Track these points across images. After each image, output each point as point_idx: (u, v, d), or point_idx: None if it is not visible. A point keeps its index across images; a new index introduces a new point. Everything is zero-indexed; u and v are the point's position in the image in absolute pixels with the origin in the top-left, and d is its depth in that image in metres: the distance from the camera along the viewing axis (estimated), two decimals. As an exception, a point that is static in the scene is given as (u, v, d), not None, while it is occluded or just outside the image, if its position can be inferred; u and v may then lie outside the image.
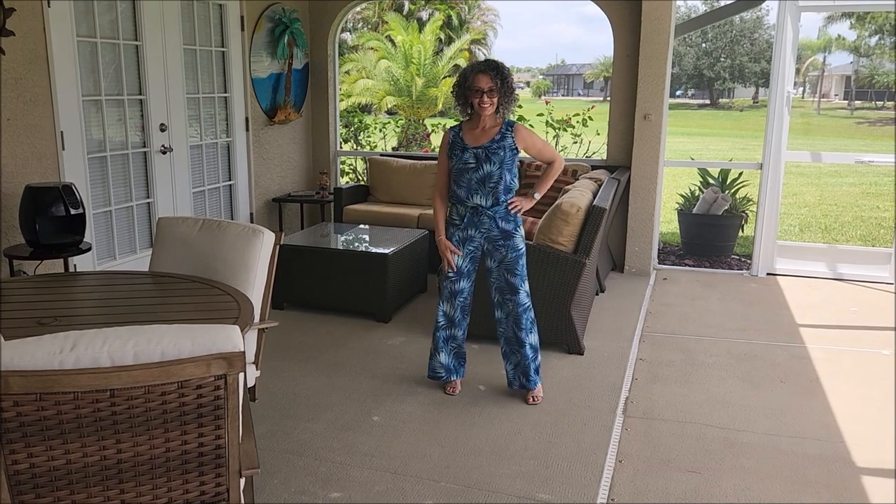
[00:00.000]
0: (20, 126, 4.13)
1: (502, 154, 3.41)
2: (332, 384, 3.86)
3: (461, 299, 3.65)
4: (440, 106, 17.05)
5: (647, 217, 6.06)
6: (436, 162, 6.60)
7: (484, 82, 3.34)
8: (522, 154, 3.54)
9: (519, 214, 3.52)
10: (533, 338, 3.65)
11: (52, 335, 1.65)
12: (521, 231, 3.55)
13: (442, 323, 3.69)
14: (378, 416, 3.49)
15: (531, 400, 3.64)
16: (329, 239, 5.53)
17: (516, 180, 3.53)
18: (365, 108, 16.85)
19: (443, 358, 3.72)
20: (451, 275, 3.59)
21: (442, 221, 3.58)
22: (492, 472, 3.00)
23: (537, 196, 3.58)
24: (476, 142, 3.45)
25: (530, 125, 7.88)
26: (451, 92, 3.52)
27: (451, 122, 9.21)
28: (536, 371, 3.67)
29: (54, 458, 1.69)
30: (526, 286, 3.59)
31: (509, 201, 3.48)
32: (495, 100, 3.37)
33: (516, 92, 3.47)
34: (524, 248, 3.56)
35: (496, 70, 3.36)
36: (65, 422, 1.66)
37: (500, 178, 3.42)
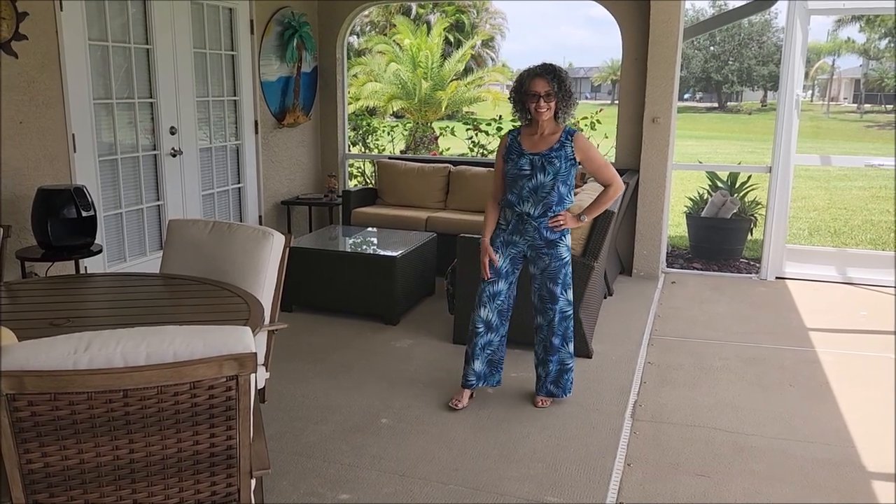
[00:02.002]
0: (33, 128, 4.17)
1: (558, 164, 3.31)
2: (340, 386, 3.87)
3: (499, 301, 3.53)
4: (443, 109, 17.07)
5: (655, 220, 6.05)
6: (443, 165, 6.64)
7: (541, 86, 3.25)
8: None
9: (557, 230, 3.41)
10: (570, 347, 3.58)
11: (65, 336, 1.67)
12: (567, 240, 3.47)
13: (479, 329, 3.55)
14: (386, 419, 3.50)
15: (540, 403, 3.62)
16: (337, 241, 5.54)
17: (572, 195, 3.44)
18: (371, 112, 16.88)
19: (477, 366, 3.60)
20: (490, 276, 3.49)
21: (491, 225, 3.50)
22: (500, 475, 3.00)
23: (585, 219, 3.48)
24: (534, 148, 3.35)
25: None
26: (509, 98, 3.44)
27: (458, 126, 9.25)
28: (570, 381, 3.62)
29: (68, 458, 1.70)
30: (568, 295, 3.52)
31: (553, 216, 3.38)
32: (553, 104, 3.27)
33: (575, 96, 3.36)
34: (569, 258, 3.48)
35: (553, 73, 3.27)
36: (78, 422, 1.67)
37: (553, 188, 3.32)
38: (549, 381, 3.61)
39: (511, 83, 3.49)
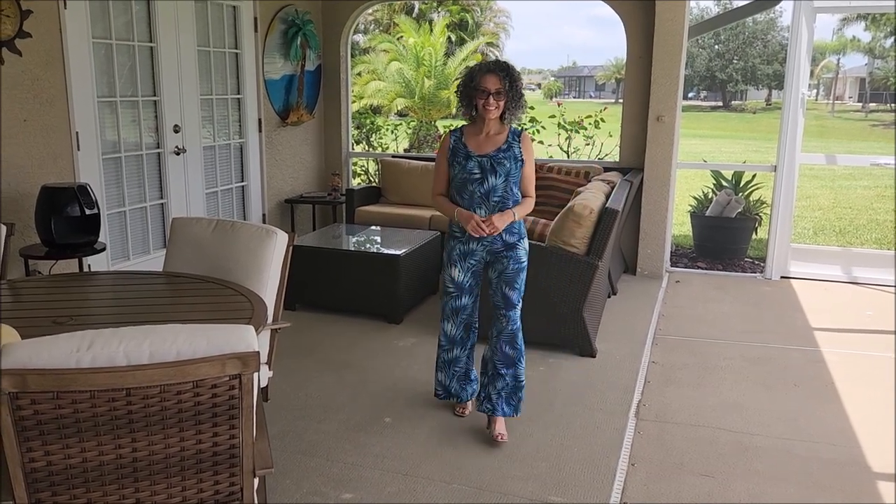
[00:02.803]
0: (36, 126, 4.17)
1: (508, 165, 3.13)
2: (343, 385, 3.86)
3: (464, 316, 3.36)
4: (452, 108, 17.05)
5: (659, 219, 6.04)
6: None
7: (491, 83, 3.07)
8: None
9: (485, 232, 3.11)
10: (524, 362, 3.33)
11: (68, 334, 1.66)
12: (525, 244, 3.27)
13: (444, 344, 3.44)
14: (389, 418, 3.49)
15: (499, 438, 3.25)
16: (341, 240, 5.54)
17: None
18: (375, 110, 16.88)
19: (441, 377, 3.50)
20: (451, 290, 3.30)
21: (451, 204, 3.23)
22: (503, 475, 2.99)
23: (516, 215, 3.19)
24: (480, 149, 3.16)
25: (542, 127, 7.92)
26: (456, 92, 3.24)
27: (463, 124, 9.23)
28: (522, 400, 3.33)
29: (71, 457, 1.70)
30: (520, 304, 3.29)
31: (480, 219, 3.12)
32: (502, 103, 3.09)
33: (524, 98, 3.19)
34: (526, 262, 3.26)
35: (505, 71, 3.10)
36: (81, 420, 1.67)
37: (507, 191, 3.15)
38: (503, 400, 3.30)
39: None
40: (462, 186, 3.19)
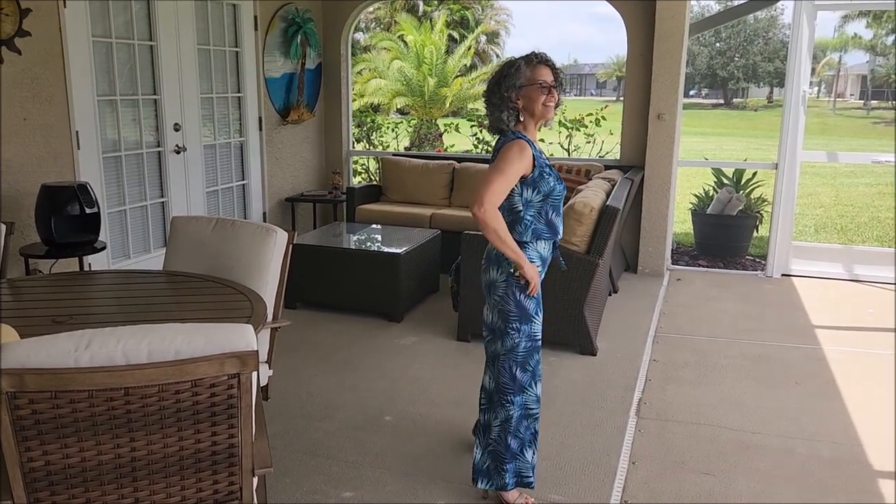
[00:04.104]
0: (36, 125, 4.16)
1: None
2: (344, 383, 3.86)
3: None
4: (448, 105, 17.02)
5: (660, 217, 6.03)
6: (448, 162, 6.61)
7: (549, 75, 2.57)
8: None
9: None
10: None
11: (67, 333, 1.66)
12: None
13: (536, 412, 2.75)
14: (390, 416, 3.49)
15: None
16: (342, 238, 5.53)
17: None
18: (375, 108, 16.86)
19: (531, 456, 2.76)
20: (539, 339, 2.71)
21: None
22: (504, 473, 2.98)
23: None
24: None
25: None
26: (490, 95, 2.61)
27: (462, 123, 9.23)
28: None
29: (69, 456, 1.69)
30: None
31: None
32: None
33: None
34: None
35: (552, 63, 2.63)
36: (80, 420, 1.66)
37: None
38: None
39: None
40: (556, 207, 2.65)
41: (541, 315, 2.70)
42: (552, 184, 2.59)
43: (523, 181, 2.56)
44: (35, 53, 4.10)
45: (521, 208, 2.60)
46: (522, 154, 2.51)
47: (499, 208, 2.51)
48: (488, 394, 2.84)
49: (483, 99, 2.70)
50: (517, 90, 2.56)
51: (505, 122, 2.59)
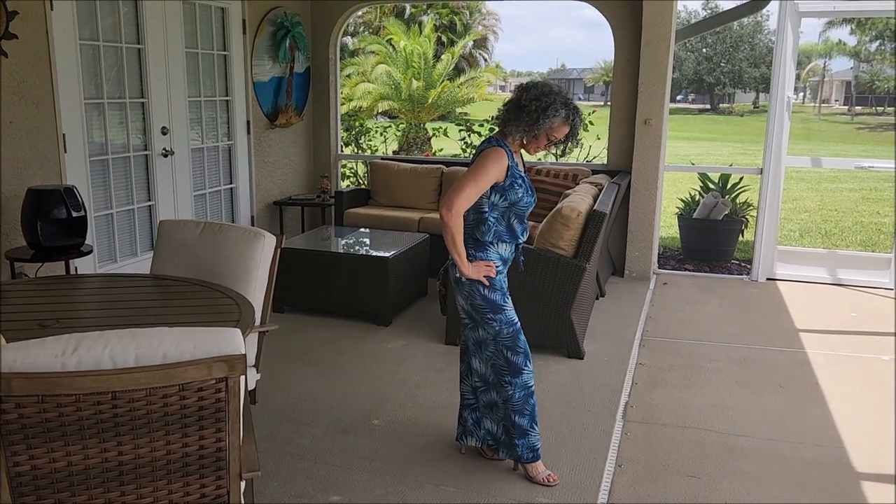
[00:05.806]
0: (22, 128, 4.14)
1: None
2: (332, 387, 3.86)
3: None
4: (434, 107, 17.03)
5: (647, 221, 6.07)
6: (436, 166, 6.61)
7: (563, 134, 2.82)
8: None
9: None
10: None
11: (54, 337, 1.66)
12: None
13: (533, 388, 2.97)
14: (378, 420, 3.49)
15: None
16: (330, 242, 5.53)
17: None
18: (358, 112, 16.87)
19: (539, 430, 3.01)
20: (518, 321, 2.93)
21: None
22: (492, 476, 3.00)
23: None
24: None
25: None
26: (525, 107, 2.73)
27: (451, 127, 9.24)
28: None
29: (56, 460, 1.69)
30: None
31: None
32: None
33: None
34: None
35: (578, 127, 2.87)
36: (66, 424, 1.66)
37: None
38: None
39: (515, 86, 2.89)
40: (523, 214, 2.87)
41: (509, 302, 2.91)
42: (520, 195, 2.79)
43: (494, 187, 2.77)
44: (22, 56, 4.08)
45: (486, 210, 2.81)
46: (498, 163, 2.74)
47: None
48: (482, 377, 3.03)
49: (512, 97, 2.82)
50: (538, 124, 2.73)
51: (509, 129, 2.79)
